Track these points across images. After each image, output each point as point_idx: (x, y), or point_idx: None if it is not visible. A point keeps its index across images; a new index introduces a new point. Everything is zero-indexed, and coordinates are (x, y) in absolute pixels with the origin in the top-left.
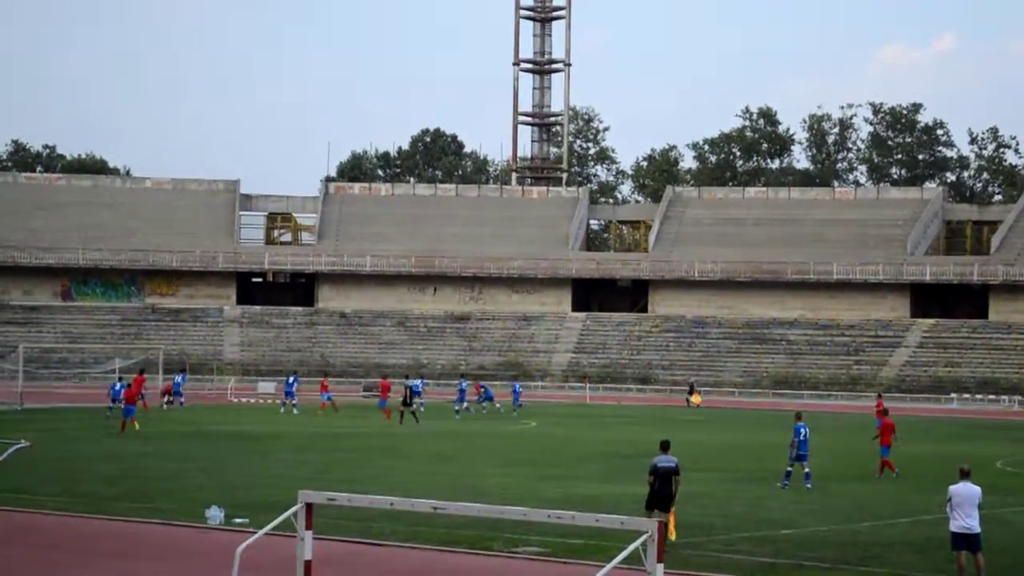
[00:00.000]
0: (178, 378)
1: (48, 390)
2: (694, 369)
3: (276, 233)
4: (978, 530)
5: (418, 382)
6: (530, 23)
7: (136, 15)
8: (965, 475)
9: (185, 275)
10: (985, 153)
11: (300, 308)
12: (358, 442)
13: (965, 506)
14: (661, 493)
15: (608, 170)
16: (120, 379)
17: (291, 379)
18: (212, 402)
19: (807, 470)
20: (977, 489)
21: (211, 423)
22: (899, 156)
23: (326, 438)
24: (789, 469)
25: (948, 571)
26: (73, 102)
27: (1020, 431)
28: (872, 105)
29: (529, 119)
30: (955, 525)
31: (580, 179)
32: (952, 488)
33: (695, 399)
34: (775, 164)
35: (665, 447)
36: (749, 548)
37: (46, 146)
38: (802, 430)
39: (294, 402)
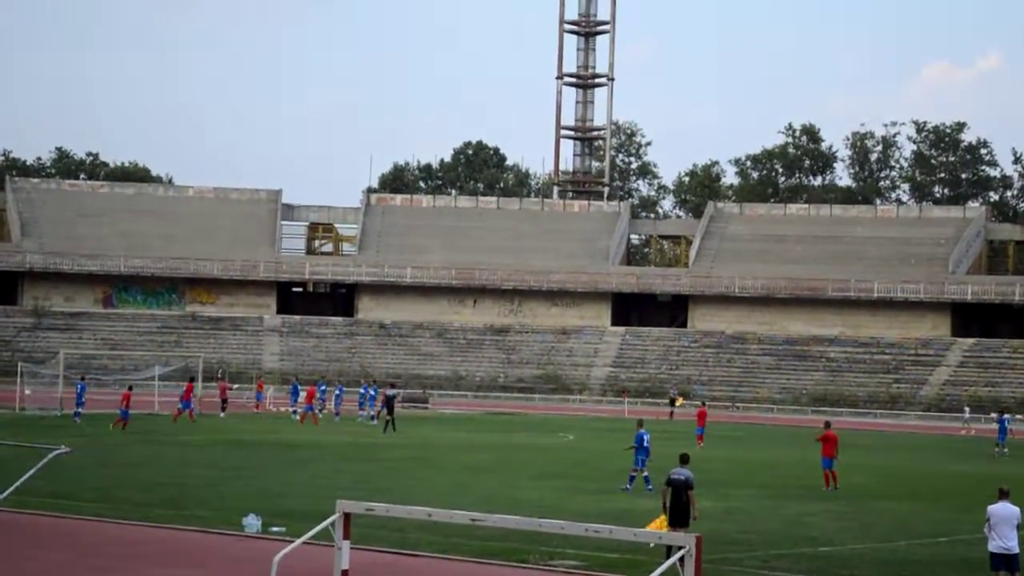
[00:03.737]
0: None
1: (88, 396)
2: (734, 385)
3: (317, 243)
4: (1017, 551)
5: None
6: (574, 37)
7: (181, 24)
8: (1004, 495)
9: (226, 284)
10: None
11: (340, 318)
12: (395, 453)
13: (1003, 526)
14: (675, 506)
15: (650, 185)
16: (82, 378)
17: (339, 390)
18: (250, 411)
19: (646, 474)
20: (1016, 509)
21: (249, 432)
22: (942, 175)
23: (364, 448)
24: (632, 473)
25: None
26: (117, 110)
27: None
28: (916, 123)
29: (571, 133)
30: (993, 545)
31: (621, 193)
32: (991, 508)
33: (679, 402)
34: (817, 181)
35: (683, 460)
36: (787, 565)
37: (89, 153)
38: (644, 437)
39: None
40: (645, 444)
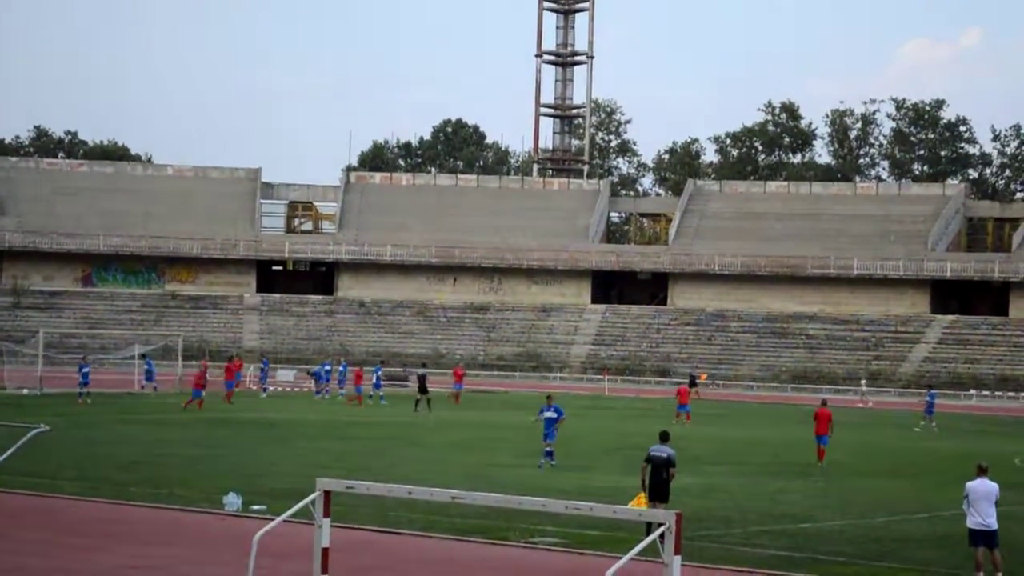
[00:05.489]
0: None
1: (68, 375)
2: (713, 362)
3: (297, 222)
4: (995, 527)
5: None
6: (553, 15)
7: (160, 3)
8: (983, 472)
9: (205, 262)
10: (1008, 150)
11: (320, 297)
12: (376, 431)
13: (982, 503)
14: (655, 482)
15: (629, 163)
16: (84, 359)
17: (328, 366)
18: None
19: (548, 449)
20: (994, 486)
21: (229, 410)
22: (921, 152)
23: (344, 426)
24: (546, 449)
25: (966, 567)
26: (96, 89)
27: None
28: (895, 101)
29: (551, 111)
30: (972, 522)
31: (601, 171)
32: (969, 485)
33: (702, 378)
34: (797, 159)
35: (663, 438)
36: (767, 541)
37: (68, 132)
38: (546, 411)
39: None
40: (548, 418)
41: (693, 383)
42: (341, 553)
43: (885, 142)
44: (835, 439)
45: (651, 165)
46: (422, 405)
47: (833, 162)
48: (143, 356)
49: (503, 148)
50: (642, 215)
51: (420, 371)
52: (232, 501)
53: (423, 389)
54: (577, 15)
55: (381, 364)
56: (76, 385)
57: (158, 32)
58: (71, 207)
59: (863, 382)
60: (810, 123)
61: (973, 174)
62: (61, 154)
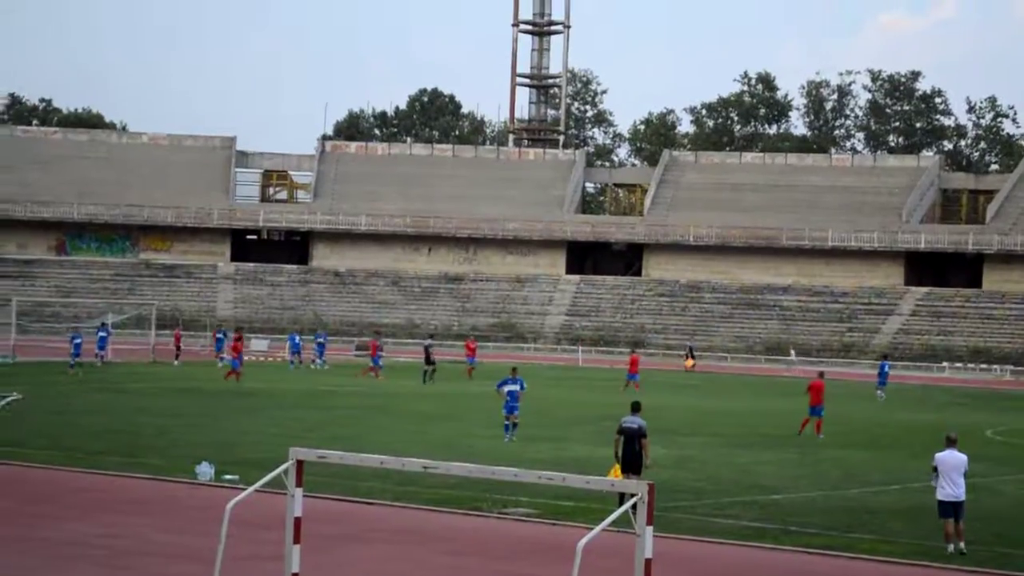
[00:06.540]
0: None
1: (41, 343)
2: (688, 334)
3: (271, 191)
4: (963, 498)
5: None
6: None
7: None
8: (952, 443)
9: (180, 231)
10: (983, 122)
11: (294, 266)
12: (350, 400)
13: (952, 474)
14: (627, 453)
15: (605, 133)
16: (76, 329)
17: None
18: (204, 358)
19: (515, 422)
20: (963, 457)
21: (203, 379)
22: (897, 124)
23: (318, 396)
24: (506, 423)
25: (935, 538)
26: (70, 56)
27: (1011, 400)
28: (871, 72)
29: (527, 80)
30: (942, 493)
31: (577, 142)
32: (938, 456)
33: (688, 363)
34: (772, 130)
35: (635, 408)
36: (738, 512)
37: (42, 99)
38: (509, 383)
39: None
40: (510, 391)
41: (691, 354)
42: (314, 523)
43: (861, 113)
44: (801, 411)
45: (627, 136)
46: (428, 376)
47: (809, 133)
48: (102, 325)
49: (479, 118)
50: (617, 186)
51: (426, 342)
52: (204, 471)
53: (429, 360)
54: None
55: (325, 331)
56: (49, 353)
57: (133, 0)
58: (45, 175)
59: (793, 352)
60: (786, 94)
61: (948, 146)
62: (35, 121)
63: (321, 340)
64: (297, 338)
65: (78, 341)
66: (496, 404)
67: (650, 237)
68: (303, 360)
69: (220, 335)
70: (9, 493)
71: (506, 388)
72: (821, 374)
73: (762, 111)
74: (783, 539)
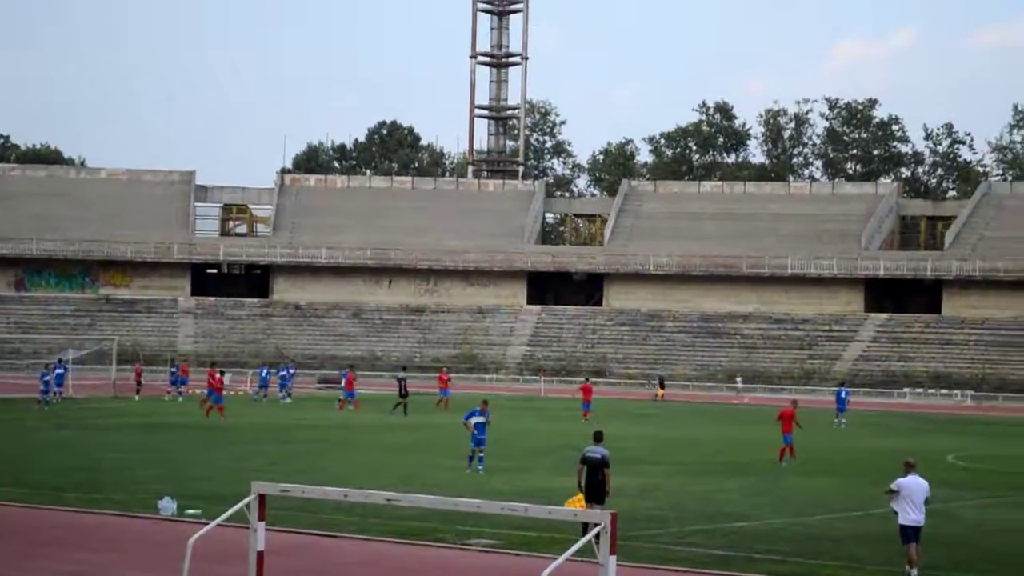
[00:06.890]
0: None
1: (1, 380)
2: (649, 363)
3: (231, 224)
4: (922, 523)
5: (404, 374)
6: (487, 16)
7: (93, 3)
8: (911, 468)
9: (139, 266)
10: (940, 149)
11: (255, 300)
12: (312, 434)
13: (916, 498)
14: (591, 483)
15: (564, 164)
16: (47, 367)
17: (288, 370)
18: (165, 393)
19: (480, 455)
20: (925, 483)
21: (164, 414)
22: (854, 151)
23: (280, 430)
24: (470, 455)
25: (898, 564)
26: (28, 92)
27: (971, 425)
28: (828, 100)
29: (486, 112)
30: (905, 519)
31: (536, 172)
32: (901, 481)
33: (659, 392)
34: (731, 159)
35: (598, 438)
36: (702, 541)
37: (0, 136)
38: (476, 415)
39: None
40: (476, 423)
41: (662, 384)
42: (277, 556)
43: (818, 141)
44: (764, 438)
45: (586, 166)
46: (400, 409)
47: (767, 162)
48: (59, 361)
49: (438, 150)
50: (577, 216)
51: (400, 374)
52: (166, 506)
53: (403, 392)
54: (511, 16)
55: (292, 365)
56: (10, 390)
57: (90, 35)
58: (3, 211)
59: (739, 379)
60: (744, 123)
61: (906, 173)
62: None
63: (284, 373)
64: (265, 371)
65: (47, 378)
66: (462, 436)
67: (610, 267)
68: (267, 394)
69: (174, 368)
70: None
71: (473, 420)
72: (794, 402)
73: (720, 140)
74: (747, 567)
